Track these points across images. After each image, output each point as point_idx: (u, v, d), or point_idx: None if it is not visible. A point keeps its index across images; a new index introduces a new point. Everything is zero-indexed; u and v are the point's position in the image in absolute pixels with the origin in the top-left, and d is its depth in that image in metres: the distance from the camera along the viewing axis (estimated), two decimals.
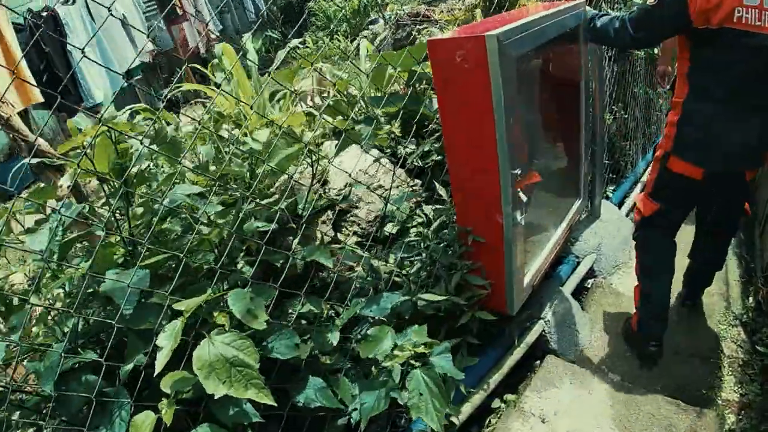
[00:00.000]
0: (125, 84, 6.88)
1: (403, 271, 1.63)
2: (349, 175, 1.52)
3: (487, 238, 1.58)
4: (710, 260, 1.93)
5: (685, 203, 1.68)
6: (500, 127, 1.29)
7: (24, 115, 4.24)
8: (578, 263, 2.34)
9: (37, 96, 3.76)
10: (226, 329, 1.09)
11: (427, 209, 1.83)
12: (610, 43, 1.89)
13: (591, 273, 2.35)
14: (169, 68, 6.92)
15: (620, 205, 2.84)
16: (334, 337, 1.25)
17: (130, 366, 1.10)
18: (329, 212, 1.93)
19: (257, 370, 1.03)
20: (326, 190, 1.97)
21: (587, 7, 1.76)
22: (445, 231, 1.68)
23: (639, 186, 3.02)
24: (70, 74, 4.55)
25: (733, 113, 1.38)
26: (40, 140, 1.87)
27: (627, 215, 2.75)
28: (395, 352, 1.24)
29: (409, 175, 2.15)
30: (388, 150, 2.17)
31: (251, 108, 1.34)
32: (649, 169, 1.81)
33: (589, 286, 2.32)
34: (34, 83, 3.94)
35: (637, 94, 3.07)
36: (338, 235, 1.88)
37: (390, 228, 1.75)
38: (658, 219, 1.68)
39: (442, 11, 4.90)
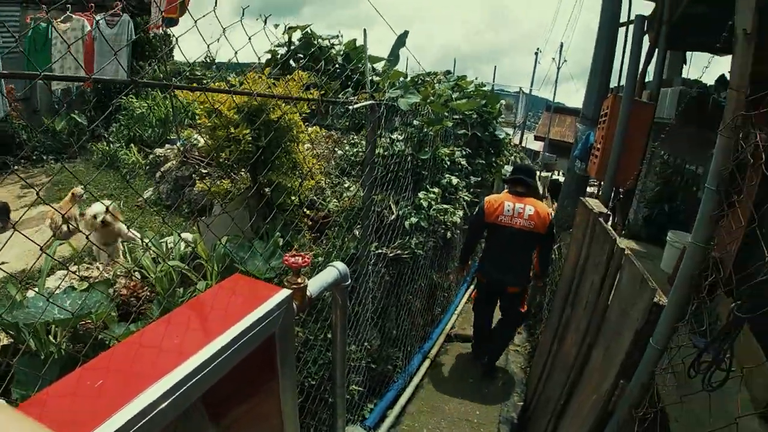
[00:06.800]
0: None
1: None
2: None
3: None
4: (493, 340, 3.56)
5: (485, 294, 3.42)
6: None
7: None
8: None
9: None
10: None
11: None
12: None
13: None
14: None
15: (382, 419, 2.57)
16: None
17: None
18: None
19: None
20: None
21: None
22: None
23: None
24: None
25: (497, 259, 3.19)
26: None
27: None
28: None
29: None
30: None
31: None
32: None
33: None
34: None
35: (420, 287, 3.15)
36: None
37: None
38: (478, 299, 3.51)
39: None
